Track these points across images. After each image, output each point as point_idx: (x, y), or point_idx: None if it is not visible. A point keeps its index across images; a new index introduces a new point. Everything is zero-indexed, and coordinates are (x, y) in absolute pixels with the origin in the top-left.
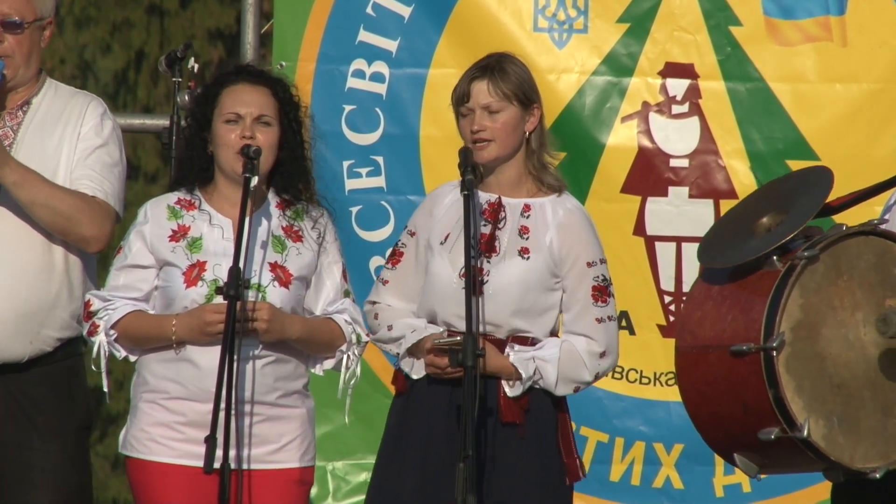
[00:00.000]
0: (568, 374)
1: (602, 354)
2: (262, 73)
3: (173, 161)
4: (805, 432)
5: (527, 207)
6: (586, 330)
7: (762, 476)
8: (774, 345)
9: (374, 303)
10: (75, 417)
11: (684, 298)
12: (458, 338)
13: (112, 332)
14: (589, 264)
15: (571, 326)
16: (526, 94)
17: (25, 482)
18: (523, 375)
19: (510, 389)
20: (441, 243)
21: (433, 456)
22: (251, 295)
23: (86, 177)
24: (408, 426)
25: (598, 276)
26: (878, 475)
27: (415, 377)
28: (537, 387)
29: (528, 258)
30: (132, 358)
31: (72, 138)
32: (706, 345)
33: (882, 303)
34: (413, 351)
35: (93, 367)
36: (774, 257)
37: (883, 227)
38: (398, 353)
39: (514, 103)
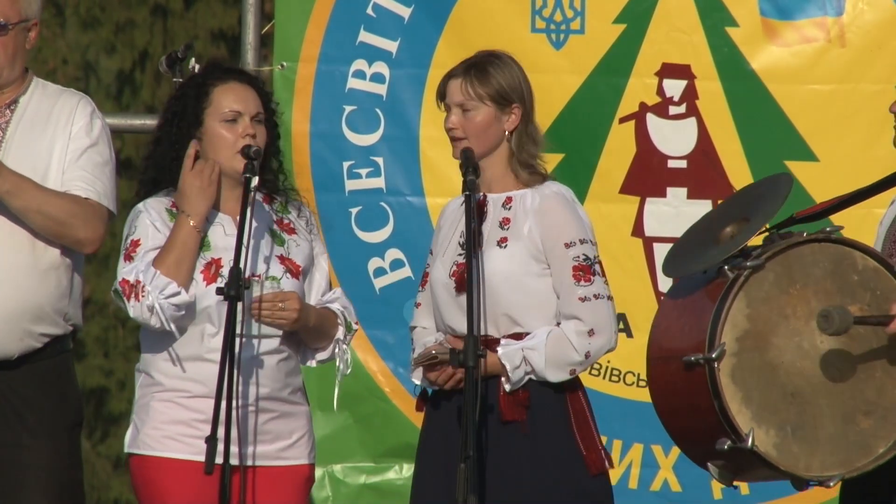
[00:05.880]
0: (556, 358)
1: (590, 333)
2: (244, 72)
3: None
4: (749, 442)
5: (508, 200)
6: (572, 311)
7: (735, 484)
8: (714, 356)
9: (413, 328)
10: (66, 415)
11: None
12: (433, 350)
13: (152, 269)
14: (567, 245)
15: (562, 310)
16: (502, 95)
17: (18, 482)
18: (507, 366)
19: (505, 385)
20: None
21: (452, 462)
22: (268, 287)
23: (78, 178)
24: (428, 440)
25: (578, 256)
26: (831, 484)
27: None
28: (533, 378)
29: (505, 247)
30: (185, 296)
31: (63, 138)
32: (668, 356)
33: None
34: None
35: (142, 319)
36: (726, 267)
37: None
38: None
39: (486, 103)
